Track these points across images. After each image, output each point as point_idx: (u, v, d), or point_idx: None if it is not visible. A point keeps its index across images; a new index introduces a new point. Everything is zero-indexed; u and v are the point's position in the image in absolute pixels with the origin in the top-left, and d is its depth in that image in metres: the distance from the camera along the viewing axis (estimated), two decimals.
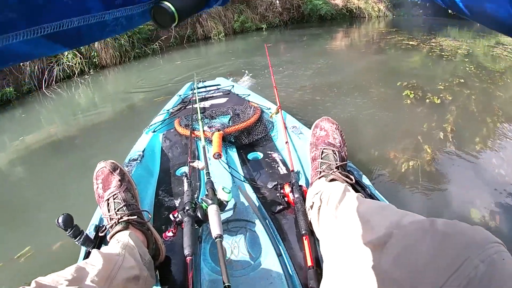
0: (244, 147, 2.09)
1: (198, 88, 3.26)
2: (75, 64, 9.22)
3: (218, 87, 3.30)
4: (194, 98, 2.72)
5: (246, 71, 6.46)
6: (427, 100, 4.48)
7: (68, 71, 9.24)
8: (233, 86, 3.20)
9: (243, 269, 1.20)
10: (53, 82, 9.17)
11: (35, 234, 2.60)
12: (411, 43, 8.72)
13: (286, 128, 2.07)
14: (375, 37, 10.36)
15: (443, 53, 7.35)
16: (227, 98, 2.86)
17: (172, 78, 6.97)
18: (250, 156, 2.01)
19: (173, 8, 0.50)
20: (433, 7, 18.41)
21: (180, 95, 3.12)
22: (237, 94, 2.97)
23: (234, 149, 2.03)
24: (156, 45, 10.13)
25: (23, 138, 5.69)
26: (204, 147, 1.74)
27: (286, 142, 1.88)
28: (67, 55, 9.21)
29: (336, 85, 5.46)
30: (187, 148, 2.04)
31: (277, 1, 13.81)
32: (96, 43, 9.17)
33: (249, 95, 2.90)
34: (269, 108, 2.53)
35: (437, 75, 5.71)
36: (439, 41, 8.82)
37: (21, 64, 8.95)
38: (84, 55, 9.33)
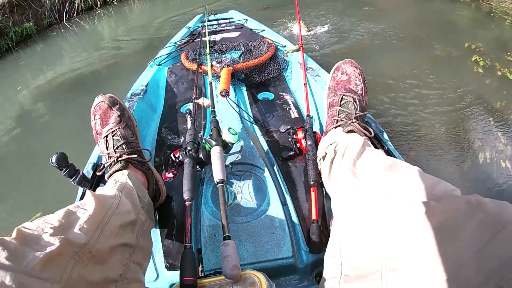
0: (255, 86, 1.98)
1: (209, 20, 3.08)
2: None
3: (230, 20, 3.13)
4: (203, 30, 2.62)
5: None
6: (499, 73, 3.51)
7: (90, 2, 8.70)
8: (246, 20, 3.02)
9: (245, 215, 1.17)
10: (75, 14, 8.69)
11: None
12: None
13: (306, 69, 1.90)
14: None
15: None
16: (239, 33, 2.69)
17: (200, 8, 6.35)
18: (261, 96, 1.91)
19: None
20: None
21: (189, 27, 2.98)
22: (251, 29, 2.78)
23: (244, 88, 1.93)
24: None
25: (44, 74, 5.53)
26: (211, 83, 1.67)
27: (305, 84, 1.74)
28: None
29: (382, 33, 4.45)
30: (192, 83, 1.98)
31: None
32: None
33: (263, 30, 2.73)
34: (284, 46, 2.34)
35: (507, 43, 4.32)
36: None
37: None
38: None
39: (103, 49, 5.75)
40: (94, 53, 5.65)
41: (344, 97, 1.31)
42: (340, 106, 1.30)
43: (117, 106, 1.30)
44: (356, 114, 1.25)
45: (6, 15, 8.43)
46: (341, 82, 1.37)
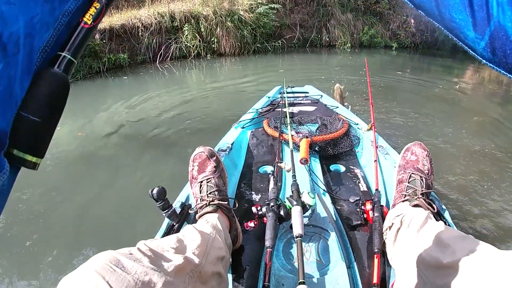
0: (327, 157, 2.13)
1: (287, 92, 3.34)
2: (193, 46, 9.22)
3: (307, 94, 3.40)
4: (283, 102, 2.87)
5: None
6: None
7: (185, 51, 9.28)
8: (321, 96, 3.28)
9: (312, 272, 1.27)
10: (168, 58, 9.30)
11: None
12: None
13: (377, 147, 2.05)
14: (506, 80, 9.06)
15: None
16: (315, 107, 2.92)
17: (287, 79, 6.46)
18: (332, 167, 2.04)
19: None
20: None
21: (269, 97, 3.29)
22: (325, 105, 3.01)
23: (317, 158, 2.08)
24: (278, 43, 9.87)
25: (123, 103, 5.77)
26: (291, 151, 1.83)
27: (375, 161, 1.87)
28: (187, 35, 9.26)
29: (454, 124, 4.42)
30: (272, 148, 2.20)
31: (412, 20, 12.70)
32: (218, 29, 9.12)
33: (337, 107, 2.93)
34: (357, 124, 2.50)
35: None
36: None
37: (139, 34, 9.35)
38: (204, 39, 9.32)
39: (186, 97, 5.93)
40: (177, 98, 5.84)
41: (412, 175, 1.46)
42: (408, 182, 1.44)
43: (214, 158, 1.51)
44: (422, 191, 1.39)
45: (104, 41, 9.21)
46: (410, 162, 1.53)
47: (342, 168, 2.03)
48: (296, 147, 2.03)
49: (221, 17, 9.24)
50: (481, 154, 3.55)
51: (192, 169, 1.48)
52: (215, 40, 9.22)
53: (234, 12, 9.33)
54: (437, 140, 3.82)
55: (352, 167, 2.04)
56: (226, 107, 5.18)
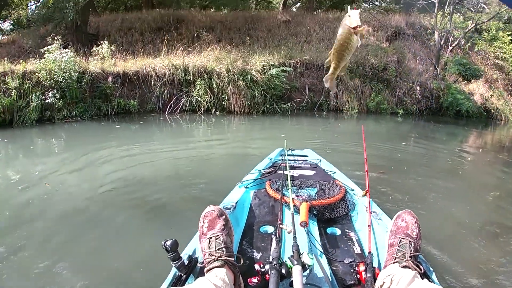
0: (324, 221, 2.27)
1: (288, 155, 3.52)
2: (203, 101, 9.43)
3: (306, 158, 3.59)
4: (284, 164, 3.06)
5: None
6: None
7: (195, 105, 9.47)
8: (320, 160, 3.46)
9: None
10: (178, 110, 9.49)
11: None
12: None
13: (371, 212, 2.21)
14: (506, 146, 9.20)
15: None
16: (314, 172, 3.09)
17: (294, 143, 6.49)
18: (329, 230, 2.18)
19: None
20: None
21: (270, 158, 3.49)
22: (324, 170, 3.18)
23: (315, 221, 2.20)
24: (287, 105, 10.10)
25: (125, 149, 5.85)
26: (292, 214, 1.96)
27: (369, 225, 2.03)
28: (199, 90, 9.50)
29: (450, 192, 4.53)
30: (273, 209, 2.35)
31: (418, 87, 13.08)
32: (230, 87, 9.41)
33: (335, 172, 3.11)
34: (353, 190, 2.68)
35: None
36: None
37: (152, 82, 9.61)
38: (215, 95, 9.55)
39: (191, 151, 5.97)
40: (182, 151, 5.88)
41: (402, 240, 1.65)
42: (398, 246, 1.62)
43: (223, 217, 1.67)
44: (410, 253, 1.58)
45: (116, 85, 9.43)
46: (400, 228, 1.74)
47: (338, 231, 2.18)
48: (297, 210, 2.14)
49: (234, 76, 9.52)
50: (473, 221, 3.68)
51: (202, 225, 1.65)
52: (226, 97, 9.44)
53: (247, 71, 9.63)
54: (430, 206, 3.92)
55: (347, 230, 2.20)
56: (230, 165, 5.20)
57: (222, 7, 15.69)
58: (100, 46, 10.08)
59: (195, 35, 13.01)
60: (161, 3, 18.12)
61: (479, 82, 15.44)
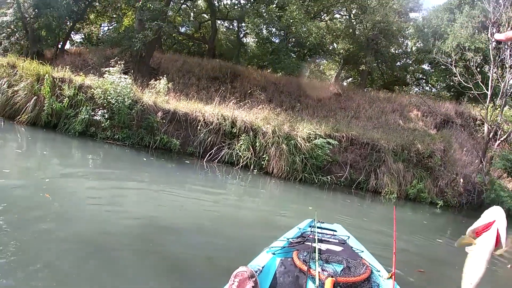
0: None
1: (318, 227, 3.52)
2: (243, 157, 9.55)
3: (335, 233, 3.58)
4: (312, 236, 3.02)
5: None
6: None
7: (234, 158, 9.57)
8: (349, 237, 3.45)
9: None
10: (216, 160, 9.60)
11: None
12: None
13: None
14: None
15: None
16: (342, 248, 3.07)
17: (326, 216, 6.33)
18: None
19: None
20: None
21: (300, 228, 3.52)
22: (352, 247, 3.17)
23: None
24: (326, 178, 10.01)
25: (158, 186, 5.87)
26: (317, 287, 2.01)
27: None
28: (242, 144, 9.68)
29: None
30: (298, 280, 2.39)
31: (461, 180, 12.64)
32: (272, 148, 9.52)
33: (363, 251, 3.11)
34: (379, 271, 2.68)
35: None
36: None
37: (198, 127, 9.92)
38: (257, 153, 9.65)
39: (220, 204, 5.96)
40: (212, 202, 5.89)
41: None
42: None
43: (254, 279, 1.78)
44: None
45: (164, 121, 9.77)
46: None
47: None
48: (321, 284, 2.18)
49: (278, 138, 9.64)
50: None
51: (232, 283, 1.75)
52: (266, 158, 9.50)
53: (292, 137, 9.74)
54: None
55: None
56: (257, 228, 5.10)
57: (278, 70, 16.39)
58: (158, 80, 10.59)
59: (248, 91, 13.51)
60: (222, 55, 19.24)
61: None
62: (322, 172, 10.10)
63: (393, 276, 2.42)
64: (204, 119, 10.07)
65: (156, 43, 14.91)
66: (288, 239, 3.10)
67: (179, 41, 21.19)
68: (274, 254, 2.68)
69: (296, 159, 9.50)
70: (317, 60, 22.43)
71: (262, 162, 9.58)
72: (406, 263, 4.84)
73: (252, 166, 9.55)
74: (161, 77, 10.85)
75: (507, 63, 13.66)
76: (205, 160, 9.57)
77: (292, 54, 17.84)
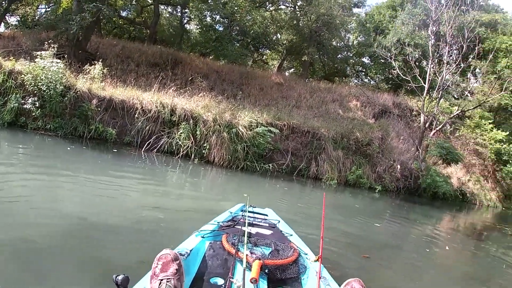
0: (275, 281, 2.31)
1: (248, 211, 3.60)
2: (184, 146, 9.28)
3: (266, 217, 3.66)
4: (243, 220, 3.13)
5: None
6: None
7: (174, 148, 9.30)
8: (279, 221, 3.54)
9: None
10: (155, 150, 9.27)
11: None
12: None
13: (320, 277, 2.27)
14: (480, 231, 10.09)
15: None
16: (272, 232, 3.16)
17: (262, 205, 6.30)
18: None
19: None
20: None
21: (231, 212, 3.57)
22: (281, 231, 3.26)
23: (266, 280, 2.25)
24: (269, 166, 10.04)
25: (93, 178, 5.61)
26: (244, 270, 2.01)
27: None
28: (182, 133, 9.40)
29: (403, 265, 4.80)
30: (226, 262, 2.39)
31: (398, 166, 13.40)
32: (214, 137, 9.34)
33: (292, 235, 3.20)
34: (306, 254, 2.78)
35: None
36: None
37: (136, 115, 9.47)
38: (197, 142, 9.43)
39: (158, 195, 5.80)
40: (149, 193, 5.72)
41: None
42: None
43: (177, 262, 1.78)
44: None
45: (99, 109, 9.22)
46: None
47: None
48: (249, 266, 2.19)
49: (220, 126, 9.51)
50: None
51: (156, 266, 1.75)
52: (207, 147, 9.34)
53: (233, 125, 9.65)
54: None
55: None
56: (198, 217, 4.92)
57: (221, 58, 16.18)
58: (93, 66, 9.95)
59: (190, 78, 13.16)
60: (164, 41, 18.56)
61: (457, 166, 16.06)
62: (264, 160, 10.14)
63: (319, 259, 2.50)
64: (142, 107, 9.64)
65: (95, 27, 14.02)
66: (218, 222, 3.13)
67: (120, 25, 20.10)
68: (203, 237, 2.69)
69: (237, 147, 9.45)
70: (260, 50, 22.47)
71: (203, 151, 9.41)
72: (347, 247, 4.99)
73: (192, 155, 9.34)
74: (96, 62, 10.16)
75: (444, 59, 14.62)
76: (143, 150, 9.20)
77: (236, 43, 17.73)
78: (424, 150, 14.38)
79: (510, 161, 18.16)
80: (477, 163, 17.78)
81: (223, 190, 7.70)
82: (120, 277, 1.54)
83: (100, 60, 10.69)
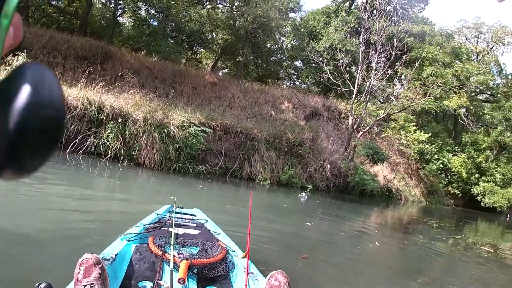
0: (204, 280, 2.34)
1: (176, 212, 3.60)
2: (112, 147, 8.88)
3: (193, 217, 3.67)
4: (170, 221, 3.09)
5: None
6: None
7: (102, 149, 8.85)
8: (207, 221, 3.59)
9: None
10: (81, 151, 8.79)
11: None
12: (438, 236, 9.30)
13: (248, 273, 2.35)
14: (406, 225, 11.00)
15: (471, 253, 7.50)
16: (199, 231, 3.19)
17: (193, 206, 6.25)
18: None
19: None
20: (463, 198, 22.40)
21: (157, 214, 3.50)
22: (209, 230, 3.30)
23: (195, 280, 2.28)
24: (202, 167, 9.87)
25: (10, 189, 5.00)
26: (171, 271, 2.04)
27: (245, 285, 2.17)
28: (110, 133, 8.98)
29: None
30: (154, 265, 2.36)
31: (328, 165, 14.11)
32: (144, 137, 9.02)
33: (220, 233, 3.25)
34: (234, 251, 2.85)
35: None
36: (467, 236, 9.72)
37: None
38: (126, 143, 9.03)
39: (85, 200, 5.58)
40: (74, 198, 5.48)
41: None
42: None
43: (100, 265, 1.74)
44: None
45: None
46: (274, 287, 1.92)
47: None
48: (176, 267, 2.19)
49: (150, 126, 9.20)
50: None
51: (78, 272, 1.71)
52: (137, 148, 9.01)
53: (165, 125, 9.42)
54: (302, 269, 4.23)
55: None
56: (125, 219, 4.84)
57: (154, 54, 15.72)
58: (16, 57, 9.16)
59: (120, 74, 12.59)
60: (95, 34, 17.58)
61: (383, 165, 17.38)
62: (197, 161, 10.04)
63: (247, 255, 2.57)
64: (67, 104, 9.02)
65: (22, 14, 12.90)
66: (144, 225, 3.08)
67: (49, 14, 18.71)
68: (128, 241, 2.63)
69: (169, 148, 9.25)
70: (195, 48, 22.22)
71: (133, 153, 9.06)
72: (276, 243, 5.18)
73: (121, 157, 8.96)
74: (20, 52, 9.36)
75: (373, 65, 15.62)
76: (67, 151, 8.65)
77: (170, 39, 17.39)
78: (352, 150, 15.31)
79: (432, 160, 20.18)
80: (402, 162, 19.46)
81: (153, 193, 7.51)
82: (42, 285, 1.53)
83: (25, 50, 9.90)
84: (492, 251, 8.77)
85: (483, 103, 25.18)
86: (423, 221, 12.55)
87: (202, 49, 22.74)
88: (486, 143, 22.93)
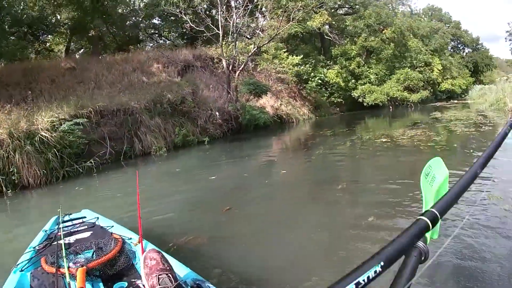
0: (110, 278, 2.33)
1: (64, 221, 3.46)
2: None
3: (84, 219, 3.56)
4: (59, 233, 2.94)
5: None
6: None
7: None
8: (97, 218, 3.51)
9: None
10: None
11: None
12: (336, 143, 10.77)
13: None
14: (305, 142, 12.08)
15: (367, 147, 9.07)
16: (91, 232, 3.12)
17: (107, 207, 5.85)
18: (116, 286, 2.27)
19: None
20: (347, 104, 25.17)
21: (45, 231, 3.31)
22: (101, 227, 3.25)
23: (100, 282, 2.27)
24: (90, 162, 9.21)
25: None
26: (69, 283, 1.98)
27: None
28: None
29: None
30: (54, 285, 2.20)
31: (217, 113, 14.57)
32: (17, 156, 8.03)
33: (113, 226, 3.22)
34: (131, 238, 2.85)
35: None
36: (362, 135, 11.46)
37: None
38: (1, 170, 7.77)
39: None
40: None
41: (159, 276, 1.80)
42: (159, 284, 1.77)
43: None
44: (173, 285, 1.79)
45: None
46: (153, 267, 1.88)
47: (125, 284, 2.29)
48: (74, 278, 2.13)
49: (19, 140, 8.28)
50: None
51: None
52: (15, 171, 7.93)
53: (34, 133, 8.59)
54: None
55: (133, 280, 2.32)
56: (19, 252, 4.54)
57: None
58: None
59: None
60: None
61: (267, 96, 18.49)
62: (83, 158, 9.42)
63: (141, 242, 2.59)
64: None
65: None
66: (34, 247, 2.91)
67: None
68: (22, 270, 2.48)
69: (48, 156, 8.50)
70: (41, 37, 19.99)
71: (13, 178, 7.90)
72: (181, 211, 5.30)
73: (4, 188, 7.74)
74: None
75: (232, 4, 15.77)
76: None
77: (10, 36, 15.48)
78: (235, 91, 15.93)
79: (310, 79, 22.02)
80: (283, 88, 20.93)
81: (49, 211, 6.84)
82: None
83: None
84: (388, 140, 10.27)
85: (344, 16, 27.78)
86: (318, 134, 13.93)
87: (49, 36, 20.54)
88: (354, 51, 26.14)
